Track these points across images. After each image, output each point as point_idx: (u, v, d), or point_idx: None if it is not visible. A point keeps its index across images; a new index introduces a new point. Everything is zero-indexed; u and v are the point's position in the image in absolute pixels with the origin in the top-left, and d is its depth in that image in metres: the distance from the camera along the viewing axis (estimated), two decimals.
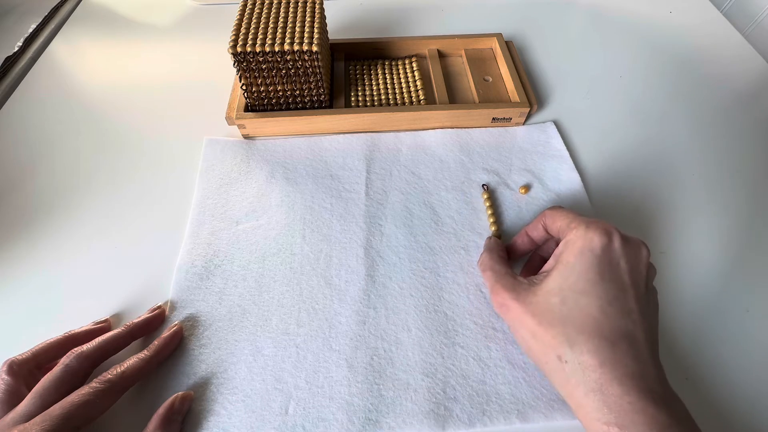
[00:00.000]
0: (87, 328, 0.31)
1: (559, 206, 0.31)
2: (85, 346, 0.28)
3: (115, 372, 0.27)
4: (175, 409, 0.27)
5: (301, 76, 0.40)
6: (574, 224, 0.27)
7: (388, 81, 0.47)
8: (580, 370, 0.23)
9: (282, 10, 0.40)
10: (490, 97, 0.45)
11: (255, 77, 0.39)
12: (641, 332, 0.24)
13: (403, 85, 0.46)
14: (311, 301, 0.33)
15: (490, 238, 0.35)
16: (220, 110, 0.43)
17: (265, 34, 0.38)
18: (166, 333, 0.31)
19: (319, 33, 0.38)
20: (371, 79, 0.47)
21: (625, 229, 0.37)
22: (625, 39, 0.55)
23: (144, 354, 0.29)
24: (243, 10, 0.39)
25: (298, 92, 0.41)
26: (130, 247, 0.36)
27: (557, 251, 0.27)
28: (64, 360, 0.27)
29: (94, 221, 0.37)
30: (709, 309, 0.33)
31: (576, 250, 0.26)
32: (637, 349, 0.23)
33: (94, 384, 0.26)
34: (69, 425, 0.24)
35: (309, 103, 0.42)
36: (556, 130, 0.44)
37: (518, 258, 0.35)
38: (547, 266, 0.28)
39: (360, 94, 0.45)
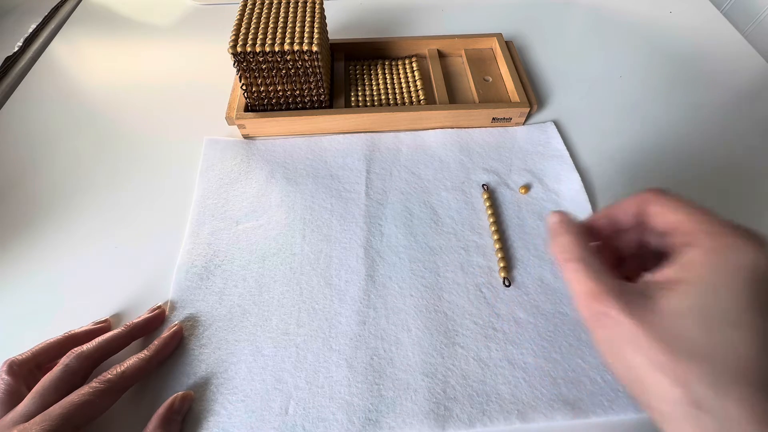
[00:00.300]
0: (87, 328, 0.31)
1: (669, 192, 0.22)
2: (85, 346, 0.28)
3: (115, 372, 0.27)
4: (175, 408, 0.27)
5: (301, 76, 0.40)
6: (711, 226, 0.20)
7: (388, 81, 0.47)
8: (721, 421, 0.17)
9: (282, 10, 0.40)
10: (490, 97, 0.45)
11: (255, 77, 0.39)
12: None
13: (403, 85, 0.46)
14: (311, 301, 0.33)
15: (559, 212, 0.24)
16: (220, 110, 0.43)
17: (265, 34, 0.38)
18: (166, 333, 0.31)
19: (319, 33, 0.38)
20: (371, 79, 0.47)
21: None
22: (625, 39, 0.55)
23: (144, 354, 0.29)
24: (243, 10, 0.39)
25: (298, 92, 0.41)
26: (130, 247, 0.36)
27: (683, 258, 0.20)
28: (64, 360, 0.27)
29: (94, 221, 0.37)
30: None
31: (722, 265, 0.19)
32: None
33: (94, 384, 0.26)
34: (69, 425, 0.24)
35: (309, 103, 0.42)
36: (556, 130, 0.44)
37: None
38: (663, 275, 0.20)
39: (360, 94, 0.45)
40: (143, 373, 0.28)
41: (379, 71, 0.47)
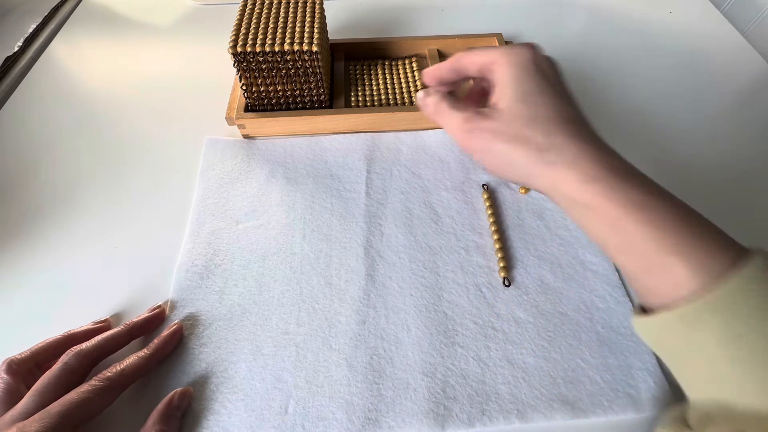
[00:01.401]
0: (86, 327, 0.31)
1: (468, 51, 0.31)
2: (84, 345, 0.28)
3: (114, 370, 0.27)
4: (174, 404, 0.27)
5: (301, 76, 0.40)
6: (498, 52, 0.29)
7: (388, 81, 0.47)
8: (558, 150, 0.25)
9: (282, 10, 0.40)
10: None
11: (255, 77, 0.39)
12: (586, 118, 0.28)
13: (403, 85, 0.46)
14: (311, 301, 0.33)
15: (423, 90, 0.32)
16: (220, 110, 0.43)
17: (265, 34, 0.38)
18: (165, 332, 0.31)
19: (319, 33, 0.38)
20: (371, 79, 0.47)
21: None
22: (625, 39, 0.55)
23: (144, 352, 0.29)
24: (243, 10, 0.39)
25: (298, 92, 0.41)
26: (130, 246, 0.36)
27: (496, 79, 0.29)
28: (63, 358, 0.27)
29: (94, 221, 0.37)
30: None
31: (513, 65, 0.28)
32: (591, 126, 0.27)
33: (94, 382, 0.26)
34: (68, 423, 0.24)
35: (309, 103, 0.42)
36: None
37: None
38: (494, 97, 0.29)
39: (360, 94, 0.45)
40: (143, 372, 0.28)
41: (379, 71, 0.48)
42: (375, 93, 0.45)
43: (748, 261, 0.20)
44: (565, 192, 0.25)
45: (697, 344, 0.20)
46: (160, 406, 0.27)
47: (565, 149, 0.25)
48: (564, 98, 0.28)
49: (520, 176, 0.27)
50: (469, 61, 0.31)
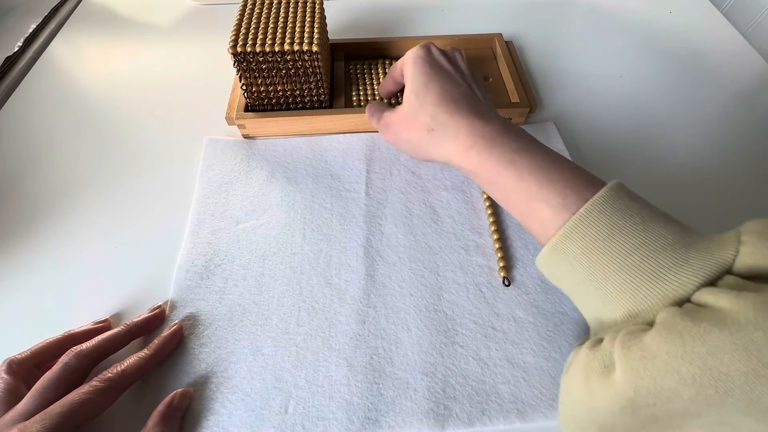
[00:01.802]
0: (86, 327, 0.31)
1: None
2: (85, 345, 0.28)
3: (115, 370, 0.27)
4: (174, 405, 0.27)
5: (301, 76, 0.40)
6: (404, 57, 0.35)
7: None
8: (443, 127, 0.30)
9: (282, 10, 0.40)
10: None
11: (255, 77, 0.39)
12: (478, 95, 0.32)
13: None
14: (311, 301, 0.33)
15: (370, 103, 0.39)
16: (220, 110, 0.43)
17: (265, 34, 0.38)
18: (166, 332, 0.31)
19: (319, 33, 0.38)
20: (372, 79, 0.47)
21: None
22: (625, 39, 0.55)
23: (144, 353, 0.29)
24: (243, 10, 0.39)
25: (298, 92, 0.41)
26: (130, 246, 0.36)
27: (404, 78, 0.34)
28: (64, 359, 0.27)
29: (94, 221, 0.37)
30: None
31: (409, 65, 0.33)
32: (476, 101, 0.31)
33: (94, 382, 0.26)
34: (69, 423, 0.24)
35: (309, 103, 0.42)
36: (557, 130, 0.44)
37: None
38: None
39: (361, 94, 0.45)
40: (143, 372, 0.28)
41: (380, 71, 0.47)
42: (375, 93, 0.45)
43: (597, 194, 0.24)
44: (456, 162, 0.30)
45: (569, 270, 0.24)
46: (161, 407, 0.27)
47: (447, 126, 0.30)
48: (450, 82, 0.32)
49: (425, 155, 0.32)
50: (396, 70, 0.37)
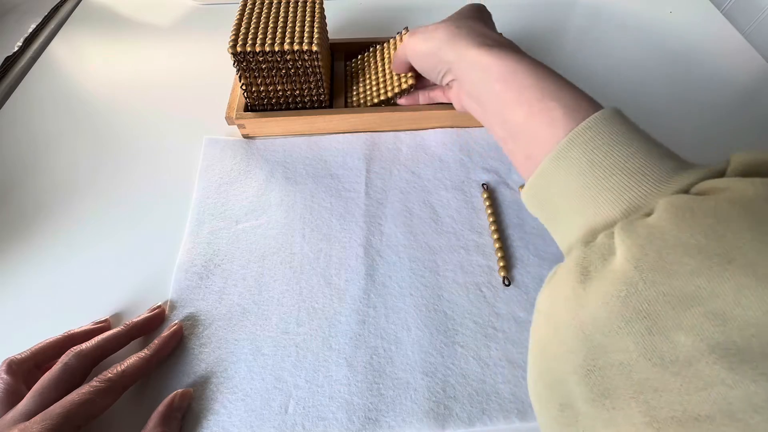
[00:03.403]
0: (86, 327, 0.31)
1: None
2: (84, 345, 0.28)
3: (115, 371, 0.27)
4: (174, 406, 0.27)
5: (301, 76, 0.40)
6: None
7: (388, 78, 0.44)
8: (463, 33, 0.32)
9: (282, 9, 0.40)
10: None
11: (255, 77, 0.39)
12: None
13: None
14: (311, 301, 0.33)
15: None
16: (220, 110, 0.43)
17: (265, 33, 0.38)
18: (166, 332, 0.31)
19: (319, 33, 0.38)
20: (370, 72, 0.45)
21: None
22: (625, 39, 0.55)
23: (144, 353, 0.29)
24: (243, 10, 0.39)
25: (298, 92, 0.41)
26: (130, 246, 0.36)
27: None
28: (64, 359, 0.27)
29: (93, 221, 0.37)
30: None
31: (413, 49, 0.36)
32: (472, 30, 0.32)
33: (95, 383, 0.26)
34: (70, 424, 0.24)
35: (309, 103, 0.42)
36: None
37: None
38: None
39: (361, 92, 0.44)
40: (143, 372, 0.28)
41: (378, 58, 0.45)
42: (376, 92, 0.43)
43: (604, 108, 0.24)
44: (471, 56, 0.30)
45: (566, 179, 0.23)
46: (161, 407, 0.27)
47: (467, 31, 0.32)
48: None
49: (439, 61, 0.33)
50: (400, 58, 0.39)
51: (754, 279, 0.15)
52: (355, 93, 0.45)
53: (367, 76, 0.45)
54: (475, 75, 0.30)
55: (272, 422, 0.28)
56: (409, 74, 0.41)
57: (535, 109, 0.26)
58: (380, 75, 0.43)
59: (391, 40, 0.45)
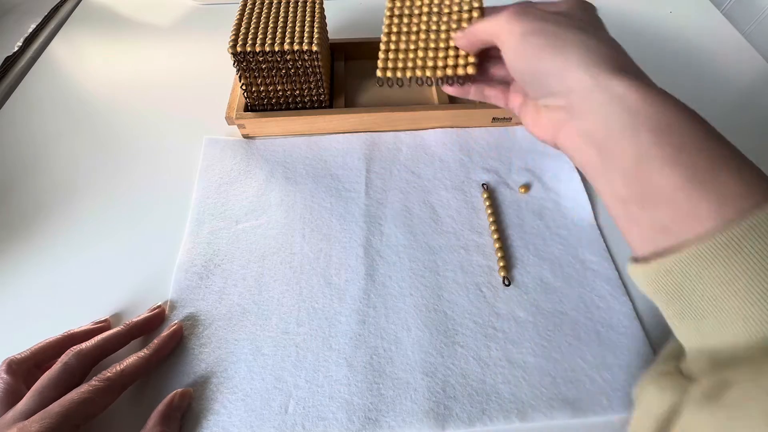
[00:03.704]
0: (86, 327, 0.31)
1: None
2: (84, 345, 0.28)
3: (114, 370, 0.27)
4: (174, 405, 0.27)
5: (301, 76, 0.40)
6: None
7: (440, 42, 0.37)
8: (609, 93, 0.24)
9: (282, 9, 0.40)
10: None
11: (255, 77, 0.39)
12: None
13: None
14: (311, 301, 0.33)
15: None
16: (220, 110, 0.43)
17: (265, 33, 0.38)
18: (165, 332, 0.31)
19: (319, 33, 0.38)
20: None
21: None
22: (625, 39, 0.54)
23: (144, 352, 0.29)
24: (243, 10, 0.39)
25: (298, 92, 0.41)
26: (130, 246, 0.36)
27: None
28: (63, 358, 0.27)
29: (93, 221, 0.37)
30: None
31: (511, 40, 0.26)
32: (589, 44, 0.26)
33: (94, 382, 0.26)
34: (68, 423, 0.24)
35: (309, 103, 0.42)
36: None
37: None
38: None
39: (393, 58, 0.37)
40: (143, 372, 0.28)
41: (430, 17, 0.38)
42: (417, 55, 0.33)
43: None
44: (612, 90, 0.23)
45: (726, 274, 0.18)
46: (161, 407, 0.27)
47: (611, 56, 0.26)
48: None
49: (558, 69, 0.25)
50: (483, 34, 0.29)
51: None
52: (386, 53, 0.32)
53: (411, 34, 0.32)
54: (613, 114, 0.22)
55: (272, 422, 0.28)
56: (470, 58, 0.30)
57: (699, 178, 0.20)
58: (430, 38, 0.31)
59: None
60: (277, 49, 0.37)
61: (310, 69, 0.39)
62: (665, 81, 0.49)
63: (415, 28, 0.32)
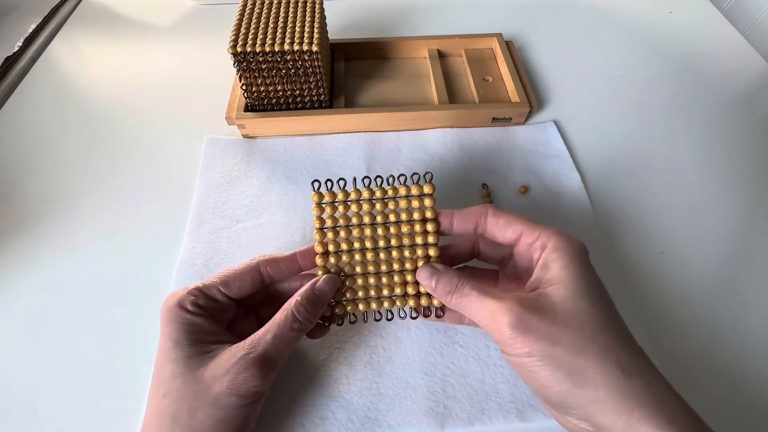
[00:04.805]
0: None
1: (499, 208, 0.27)
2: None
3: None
4: (318, 287, 0.26)
5: (301, 76, 0.40)
6: (548, 230, 0.25)
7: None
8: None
9: (282, 10, 0.40)
10: (490, 97, 0.45)
11: (255, 77, 0.39)
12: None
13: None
14: None
15: (423, 267, 0.27)
16: (220, 110, 0.43)
17: (265, 34, 0.38)
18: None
19: (319, 33, 0.38)
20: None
21: (626, 229, 0.37)
22: (625, 39, 0.55)
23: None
24: (243, 10, 0.39)
25: (298, 92, 0.41)
26: (130, 246, 0.36)
27: (548, 261, 0.24)
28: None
29: (94, 220, 0.37)
30: (709, 309, 0.33)
31: (575, 256, 0.24)
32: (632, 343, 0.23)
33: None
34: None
35: (309, 103, 0.42)
36: (556, 129, 0.44)
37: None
38: (542, 280, 0.24)
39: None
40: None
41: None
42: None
43: None
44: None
45: None
46: (307, 286, 0.26)
47: (648, 395, 0.21)
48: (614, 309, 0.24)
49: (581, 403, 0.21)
50: (492, 230, 0.26)
51: None
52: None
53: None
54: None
55: (272, 422, 0.28)
56: (432, 250, 0.27)
57: None
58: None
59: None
60: (277, 49, 0.37)
61: (310, 69, 0.39)
62: (665, 81, 0.50)
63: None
